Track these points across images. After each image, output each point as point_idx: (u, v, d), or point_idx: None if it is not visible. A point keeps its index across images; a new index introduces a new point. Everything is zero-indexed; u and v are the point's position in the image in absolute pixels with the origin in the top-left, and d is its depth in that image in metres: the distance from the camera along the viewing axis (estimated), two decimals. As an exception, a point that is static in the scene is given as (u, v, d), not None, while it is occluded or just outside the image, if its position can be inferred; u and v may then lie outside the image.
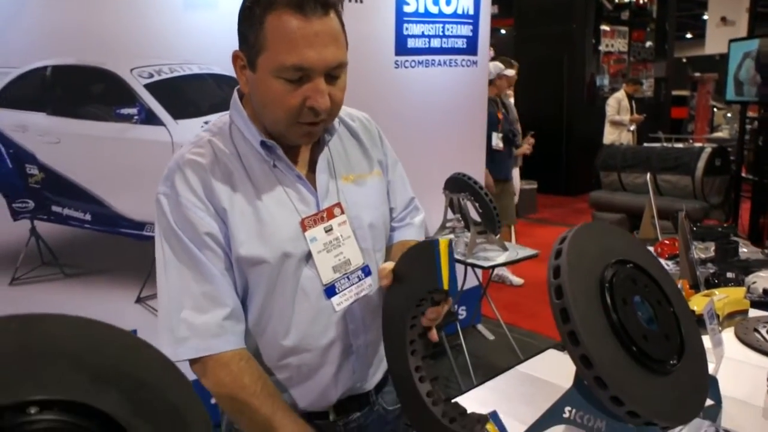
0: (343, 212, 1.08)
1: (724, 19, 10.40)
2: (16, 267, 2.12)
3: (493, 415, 0.86)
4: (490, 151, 4.23)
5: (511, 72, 4.59)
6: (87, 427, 0.57)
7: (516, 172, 5.08)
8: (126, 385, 0.61)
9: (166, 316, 0.98)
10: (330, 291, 1.06)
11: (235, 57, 1.00)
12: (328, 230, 1.06)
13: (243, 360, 0.99)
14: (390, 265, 1.01)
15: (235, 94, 1.07)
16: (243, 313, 1.03)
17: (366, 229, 1.12)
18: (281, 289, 1.03)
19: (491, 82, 4.33)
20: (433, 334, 0.98)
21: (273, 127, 1.01)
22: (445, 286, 0.91)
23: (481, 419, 0.87)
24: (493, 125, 4.32)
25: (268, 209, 1.01)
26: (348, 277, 1.08)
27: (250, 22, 0.94)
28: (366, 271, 1.11)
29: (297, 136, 1.00)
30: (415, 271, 0.96)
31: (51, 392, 0.57)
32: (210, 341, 0.97)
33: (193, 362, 0.99)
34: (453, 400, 0.94)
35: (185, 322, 0.97)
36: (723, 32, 9.65)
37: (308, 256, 1.04)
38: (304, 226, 1.03)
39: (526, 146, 4.87)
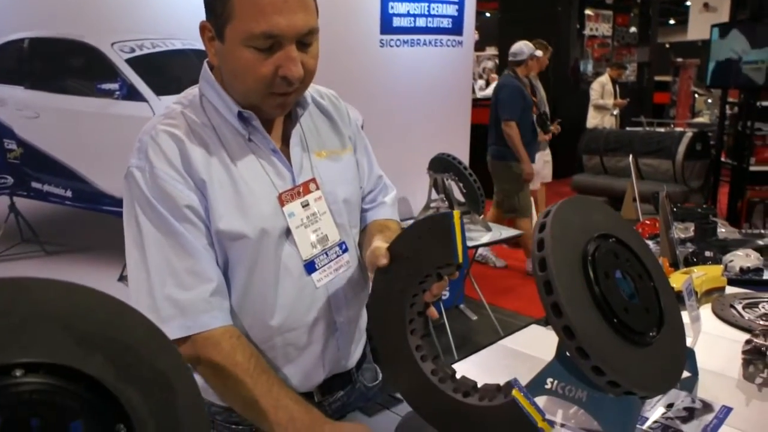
0: (318, 188, 1.07)
1: (706, 5, 10.46)
2: (-5, 244, 2.09)
3: (515, 382, 0.84)
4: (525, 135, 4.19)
5: (540, 53, 4.55)
6: (73, 390, 0.57)
7: (540, 157, 4.86)
8: (112, 350, 0.61)
9: (148, 295, 0.94)
10: (310, 267, 1.05)
11: (203, 28, 0.97)
12: (305, 205, 1.04)
13: (234, 337, 0.96)
14: (384, 244, 0.99)
15: (205, 66, 1.03)
16: (227, 289, 1.01)
17: (341, 205, 1.11)
18: (263, 265, 1.01)
19: (521, 63, 4.34)
20: (433, 311, 0.97)
21: (245, 99, 0.98)
22: (460, 260, 0.89)
23: (500, 388, 0.86)
24: (527, 108, 4.28)
25: (246, 182, 0.98)
26: (326, 253, 1.07)
27: None
28: (343, 247, 1.10)
29: (270, 107, 0.98)
30: (422, 247, 0.93)
31: (36, 355, 0.56)
32: (198, 318, 0.94)
33: (180, 342, 0.94)
34: (460, 375, 0.92)
35: (170, 299, 0.93)
36: (706, 18, 9.71)
37: (287, 232, 1.02)
38: (281, 200, 1.01)
39: (553, 128, 4.83)
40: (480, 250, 4.07)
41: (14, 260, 2.13)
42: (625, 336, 0.94)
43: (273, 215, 1.00)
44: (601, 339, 0.92)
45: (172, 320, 0.93)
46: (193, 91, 1.04)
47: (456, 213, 0.90)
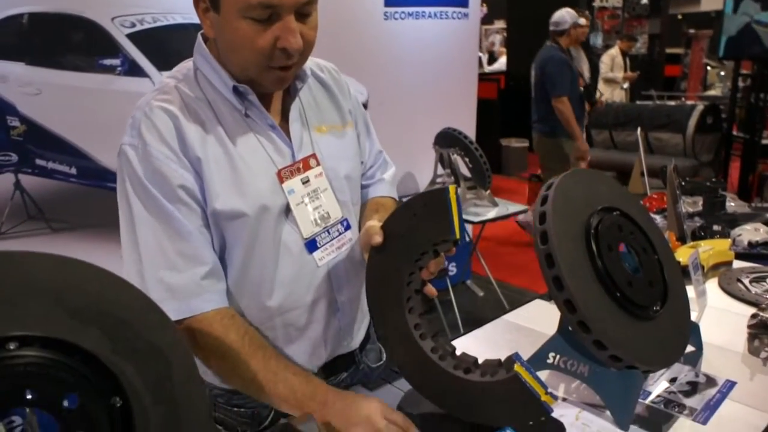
0: (318, 163, 1.04)
1: (721, -25, 10.21)
2: (1, 221, 2.10)
3: (517, 356, 0.83)
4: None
5: (584, 21, 4.31)
6: (67, 363, 0.57)
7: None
8: (107, 323, 0.60)
9: (139, 277, 0.92)
10: (311, 245, 1.03)
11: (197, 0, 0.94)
12: (305, 182, 1.02)
13: (226, 317, 0.94)
14: (378, 223, 0.97)
15: (200, 39, 0.99)
16: (222, 271, 0.98)
17: (343, 181, 1.08)
18: (262, 245, 0.98)
19: (564, 32, 4.10)
20: (431, 289, 0.96)
21: (242, 73, 0.95)
22: (457, 235, 0.87)
23: (501, 363, 0.85)
24: (574, 81, 4.05)
25: (243, 159, 0.96)
26: (328, 231, 1.05)
27: None
28: (345, 224, 1.08)
29: (268, 81, 0.95)
30: (417, 223, 0.91)
31: (31, 328, 0.56)
32: (190, 302, 0.92)
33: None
34: (461, 352, 0.91)
35: (161, 282, 0.90)
36: (720, -12, 9.49)
37: (287, 210, 1.00)
38: (281, 177, 0.99)
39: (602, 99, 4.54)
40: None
41: (20, 237, 2.14)
42: (627, 310, 0.93)
43: (272, 192, 0.98)
44: (603, 313, 0.91)
45: (163, 303, 0.88)
46: (187, 65, 1.01)
47: (452, 188, 0.88)
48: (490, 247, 4.66)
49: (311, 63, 1.09)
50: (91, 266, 0.61)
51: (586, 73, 4.50)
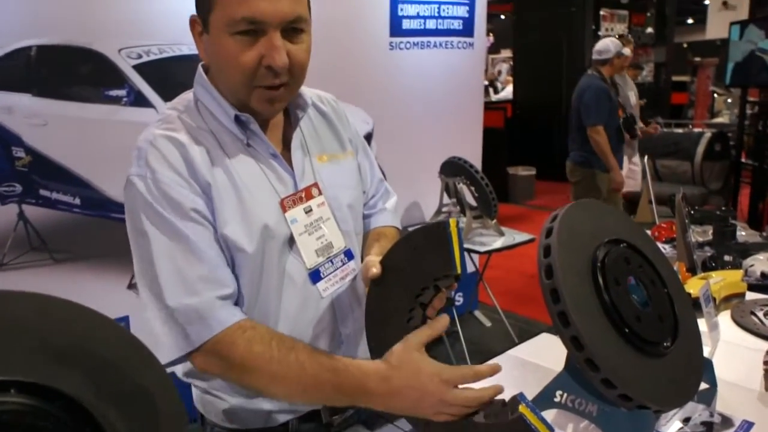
0: (320, 192, 1.03)
1: (725, 4, 10.28)
2: (4, 252, 2.09)
3: (522, 396, 0.81)
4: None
5: (628, 51, 4.19)
6: (48, 410, 0.54)
7: (626, 163, 4.42)
8: (91, 365, 0.58)
9: (162, 307, 0.89)
10: (315, 276, 1.01)
11: (192, 22, 0.95)
12: (308, 211, 1.01)
13: (248, 329, 0.89)
14: (376, 256, 0.95)
15: (200, 69, 1.00)
16: (238, 295, 0.96)
17: (345, 210, 1.07)
18: (267, 276, 0.97)
19: (607, 62, 4.04)
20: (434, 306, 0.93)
21: (234, 96, 0.95)
22: (458, 270, 0.85)
23: (506, 404, 0.82)
24: (613, 111, 3.95)
25: (247, 188, 0.95)
26: (331, 261, 1.03)
27: None
28: (349, 254, 1.06)
29: (258, 102, 0.94)
30: (418, 256, 0.89)
31: (10, 372, 0.54)
32: (217, 315, 0.88)
33: (196, 354, 0.89)
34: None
35: (185, 307, 0.88)
36: (724, 16, 9.54)
37: (291, 240, 0.98)
38: (283, 206, 0.98)
39: (652, 128, 4.51)
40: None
41: (23, 269, 2.13)
42: (637, 346, 0.90)
43: (275, 222, 0.97)
44: (612, 350, 0.88)
45: (194, 324, 0.88)
46: (187, 96, 1.01)
47: (452, 221, 0.85)
48: (497, 276, 4.61)
49: (311, 94, 1.09)
50: (75, 305, 0.59)
51: (633, 99, 4.32)
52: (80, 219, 2.23)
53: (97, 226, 2.26)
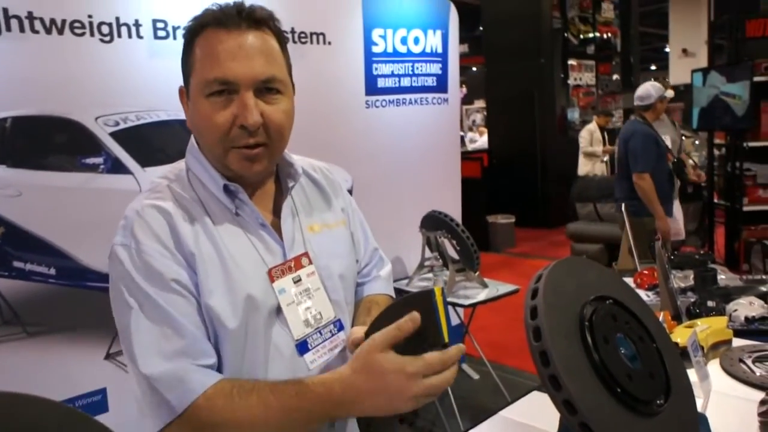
0: (311, 262, 1.02)
1: (685, 51, 10.76)
2: (-26, 327, 2.02)
3: (444, 289, 0.82)
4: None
5: (671, 93, 4.05)
6: None
7: (676, 208, 4.23)
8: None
9: (142, 378, 0.86)
10: (302, 347, 0.98)
11: (180, 92, 0.98)
12: (297, 281, 0.99)
13: (226, 389, 0.87)
14: (361, 329, 0.93)
15: (192, 140, 1.01)
16: (218, 365, 0.93)
17: (336, 280, 1.06)
18: (252, 348, 0.94)
19: (650, 107, 3.91)
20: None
21: (214, 159, 0.96)
22: (446, 339, 0.83)
23: None
24: (662, 157, 3.83)
25: (233, 259, 0.94)
26: (320, 332, 1.01)
27: (185, 51, 0.94)
28: (338, 325, 1.04)
29: (236, 163, 0.94)
30: None
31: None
32: (196, 377, 0.86)
33: (178, 423, 0.85)
34: None
35: (164, 373, 0.85)
36: (685, 63, 9.97)
37: (278, 310, 0.97)
38: (271, 276, 0.96)
39: (695, 176, 4.35)
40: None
41: (-6, 344, 2.05)
42: (630, 406, 0.88)
43: (262, 292, 0.95)
44: (605, 412, 0.86)
45: (174, 390, 0.85)
46: (180, 165, 1.02)
47: (438, 289, 0.84)
48: (483, 327, 4.57)
49: (304, 163, 1.10)
50: (46, 402, 0.56)
51: (669, 142, 4.17)
52: (55, 290, 2.17)
53: (73, 297, 2.20)
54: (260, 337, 0.95)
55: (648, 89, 3.94)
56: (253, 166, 0.95)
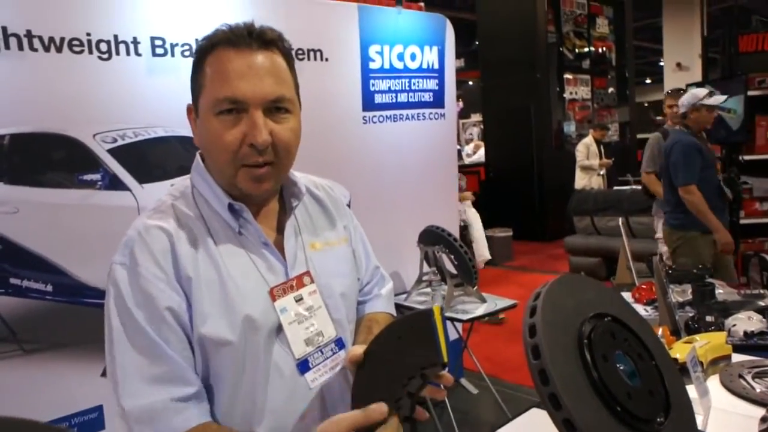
0: (312, 281, 1.03)
1: (679, 65, 10.84)
2: (-30, 345, 2.01)
3: (442, 307, 0.81)
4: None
5: (715, 99, 3.57)
6: None
7: None
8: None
9: (118, 401, 0.88)
10: (303, 366, 0.98)
11: (189, 110, 0.99)
12: (299, 300, 1.00)
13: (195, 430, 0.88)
14: (360, 348, 0.93)
15: (198, 157, 1.02)
16: (205, 393, 0.93)
17: (338, 299, 1.06)
18: (251, 369, 0.94)
19: (684, 116, 3.59)
20: (422, 413, 0.91)
21: (223, 178, 0.96)
22: (445, 359, 0.83)
23: None
24: (709, 167, 3.53)
25: (233, 279, 0.94)
26: (321, 351, 1.01)
27: (195, 70, 0.95)
28: (339, 343, 1.05)
29: (244, 182, 0.95)
30: (402, 346, 0.87)
31: None
32: (170, 422, 0.87)
33: None
34: None
35: (138, 407, 0.86)
36: (679, 77, 10.03)
37: (278, 329, 0.97)
38: (273, 295, 0.97)
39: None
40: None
41: (-10, 362, 2.04)
42: (630, 425, 0.88)
43: (263, 312, 0.95)
44: (605, 430, 0.86)
45: (144, 427, 0.86)
46: (185, 183, 1.02)
47: (436, 309, 0.84)
48: (481, 342, 4.57)
49: (307, 180, 1.11)
50: (39, 426, 0.56)
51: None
52: (51, 306, 2.15)
53: (69, 313, 2.19)
54: (260, 356, 0.95)
55: (687, 95, 3.65)
56: (261, 186, 0.96)
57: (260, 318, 0.94)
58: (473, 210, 5.26)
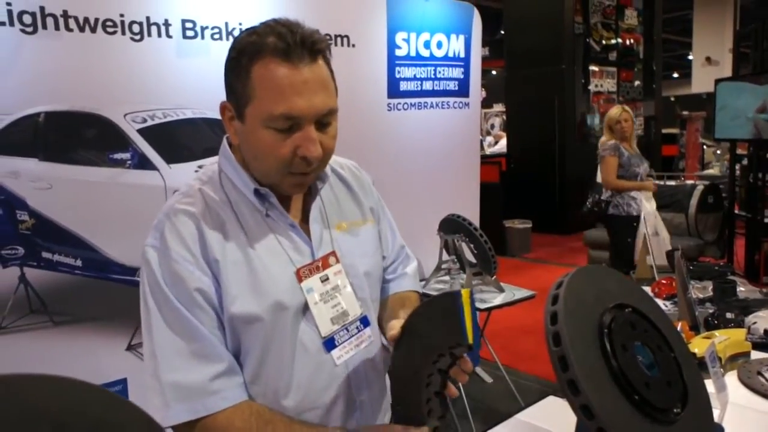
0: (338, 261, 1.05)
1: (708, 59, 10.65)
2: (3, 315, 2.08)
3: (472, 292, 0.85)
4: None
5: None
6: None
7: None
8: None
9: (155, 377, 0.93)
10: (329, 344, 1.02)
11: (223, 108, 0.99)
12: (324, 280, 1.03)
13: (246, 413, 0.94)
14: (398, 323, 0.97)
15: (225, 142, 1.04)
16: (238, 367, 0.98)
17: (362, 278, 1.09)
18: (278, 346, 0.98)
19: None
20: (453, 390, 0.95)
21: (264, 178, 0.99)
22: (470, 340, 0.87)
23: None
24: None
25: (261, 260, 0.98)
26: (347, 329, 1.05)
27: (236, 72, 0.93)
28: (365, 321, 1.08)
29: (288, 186, 0.99)
30: (432, 325, 0.92)
31: (26, 459, 0.54)
32: (205, 401, 0.92)
33: (187, 428, 0.92)
34: None
35: (175, 383, 0.91)
36: (708, 71, 9.87)
37: (305, 308, 1.00)
38: (299, 276, 1.00)
39: None
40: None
41: (21, 332, 2.11)
42: (646, 413, 0.89)
43: (290, 292, 0.99)
44: (623, 418, 0.87)
45: (178, 404, 0.91)
46: (213, 167, 1.05)
47: (465, 292, 0.87)
48: (498, 332, 4.58)
49: (332, 161, 1.11)
50: (90, 387, 0.60)
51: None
52: (80, 281, 2.22)
53: (97, 288, 2.26)
54: (287, 334, 0.98)
55: None
56: (303, 188, 1.03)
57: (288, 298, 0.98)
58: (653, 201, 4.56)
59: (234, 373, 0.96)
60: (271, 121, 0.91)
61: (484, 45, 4.36)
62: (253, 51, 0.91)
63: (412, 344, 0.93)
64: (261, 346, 0.97)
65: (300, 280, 1.00)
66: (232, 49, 0.95)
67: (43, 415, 0.56)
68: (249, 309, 0.95)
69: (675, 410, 0.93)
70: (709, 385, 1.08)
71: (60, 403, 0.58)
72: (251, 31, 0.93)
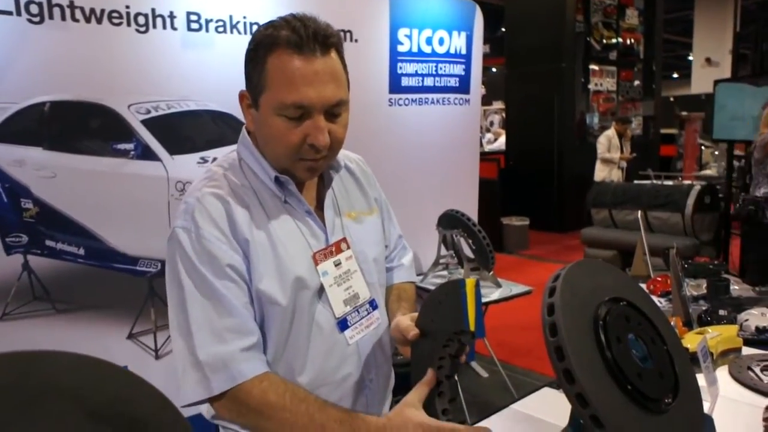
0: (349, 247, 1.12)
1: (708, 60, 10.67)
2: (6, 302, 2.10)
3: (478, 281, 0.89)
4: None
5: None
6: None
7: None
8: (122, 424, 0.60)
9: (190, 353, 0.97)
10: (342, 324, 1.09)
11: (242, 96, 1.04)
12: (337, 264, 1.09)
13: (265, 380, 0.98)
14: (407, 319, 1.03)
15: (244, 131, 1.10)
16: (263, 344, 1.03)
17: (371, 264, 1.16)
18: (297, 325, 1.04)
19: None
20: (462, 359, 1.00)
21: (276, 163, 1.04)
22: (471, 327, 0.92)
23: None
24: None
25: (282, 243, 1.03)
26: (358, 311, 1.11)
27: (254, 63, 0.99)
28: (373, 304, 1.15)
29: (299, 171, 1.04)
30: (439, 313, 0.98)
31: (45, 431, 0.56)
32: (240, 366, 0.97)
33: (216, 400, 0.97)
34: None
35: (214, 354, 0.96)
36: (708, 72, 9.90)
37: (321, 290, 1.07)
38: (316, 260, 1.06)
39: None
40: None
41: (24, 318, 2.13)
42: (639, 403, 0.92)
43: (308, 274, 1.05)
44: (616, 407, 0.90)
45: (216, 374, 0.96)
46: (232, 155, 1.10)
47: (470, 281, 0.91)
48: (494, 327, 4.61)
49: (341, 155, 1.17)
50: (108, 364, 0.62)
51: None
52: (83, 269, 2.24)
53: (99, 277, 2.28)
54: (305, 314, 1.05)
55: None
56: (314, 174, 1.08)
57: (306, 279, 1.05)
58: None
59: (261, 348, 1.02)
60: (283, 109, 0.96)
61: (484, 42, 4.37)
62: (268, 43, 0.97)
63: (426, 329, 0.99)
64: (282, 323, 1.03)
65: (316, 263, 1.06)
66: (251, 41, 1.01)
67: (62, 390, 0.59)
68: (273, 292, 1.01)
69: (666, 400, 0.96)
70: (701, 379, 1.11)
71: (78, 378, 0.61)
72: (269, 24, 0.99)
